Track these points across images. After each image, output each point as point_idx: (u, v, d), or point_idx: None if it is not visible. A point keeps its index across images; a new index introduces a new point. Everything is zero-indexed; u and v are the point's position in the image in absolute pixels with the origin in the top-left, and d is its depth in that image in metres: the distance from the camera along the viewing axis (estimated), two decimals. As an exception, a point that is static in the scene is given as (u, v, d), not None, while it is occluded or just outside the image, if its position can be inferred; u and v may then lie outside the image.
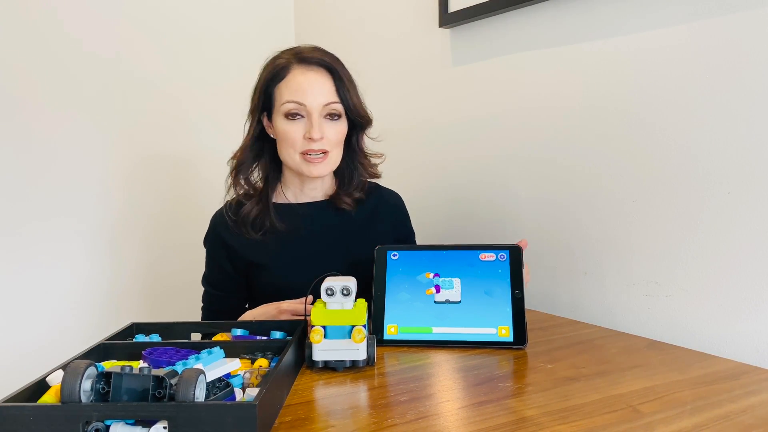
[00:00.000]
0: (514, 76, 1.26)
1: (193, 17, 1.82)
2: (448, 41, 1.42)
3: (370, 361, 0.79)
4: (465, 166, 1.39)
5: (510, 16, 1.25)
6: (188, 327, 0.88)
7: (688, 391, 0.69)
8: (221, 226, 1.12)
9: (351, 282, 0.79)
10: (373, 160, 1.17)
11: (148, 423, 0.55)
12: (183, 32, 1.80)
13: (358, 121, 1.10)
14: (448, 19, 1.37)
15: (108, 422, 0.55)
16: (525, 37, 1.22)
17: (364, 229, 1.14)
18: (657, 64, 0.99)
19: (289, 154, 1.06)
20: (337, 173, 1.16)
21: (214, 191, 1.77)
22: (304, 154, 1.04)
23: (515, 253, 0.94)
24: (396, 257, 0.97)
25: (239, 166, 1.11)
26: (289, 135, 1.04)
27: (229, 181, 1.12)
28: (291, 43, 1.98)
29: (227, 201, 1.14)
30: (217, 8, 1.86)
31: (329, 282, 0.79)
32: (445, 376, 0.76)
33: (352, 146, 1.14)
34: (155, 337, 0.84)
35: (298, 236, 1.10)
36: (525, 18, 1.22)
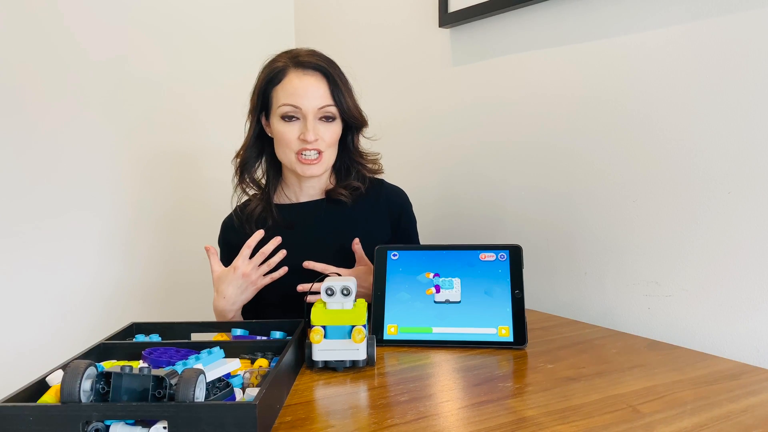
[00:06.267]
0: (513, 76, 1.26)
1: (195, 16, 1.82)
2: (448, 41, 1.42)
3: (370, 361, 0.79)
4: (465, 166, 1.39)
5: (510, 16, 1.25)
6: (188, 327, 0.88)
7: (688, 391, 0.69)
8: (229, 231, 1.17)
9: (351, 282, 0.79)
10: (368, 157, 1.20)
11: (148, 423, 0.55)
12: (185, 31, 1.80)
13: (352, 123, 1.13)
14: (448, 19, 1.37)
15: (108, 422, 0.55)
16: (525, 37, 1.22)
17: (363, 222, 1.16)
18: (657, 64, 0.99)
19: (285, 154, 1.10)
20: (334, 170, 1.19)
21: (218, 190, 1.78)
22: (299, 154, 1.08)
23: (515, 253, 0.94)
24: (396, 257, 0.97)
25: (243, 165, 1.16)
26: (285, 136, 1.08)
27: (235, 180, 1.17)
28: (291, 42, 1.99)
29: (237, 205, 1.19)
30: (218, 8, 1.86)
31: (329, 282, 0.79)
32: (445, 376, 0.76)
33: (347, 146, 1.18)
34: (155, 337, 0.84)
35: (299, 234, 1.12)
36: (525, 18, 1.22)
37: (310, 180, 1.15)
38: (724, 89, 0.90)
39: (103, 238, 1.70)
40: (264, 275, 1.06)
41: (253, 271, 1.03)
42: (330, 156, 1.12)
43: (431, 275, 0.95)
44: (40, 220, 1.60)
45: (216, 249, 1.09)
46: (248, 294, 1.05)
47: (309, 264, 1.05)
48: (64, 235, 1.64)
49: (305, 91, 1.06)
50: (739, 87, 0.89)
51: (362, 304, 0.81)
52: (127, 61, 1.70)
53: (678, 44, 0.96)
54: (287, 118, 1.07)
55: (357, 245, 1.07)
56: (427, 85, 1.49)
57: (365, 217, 1.17)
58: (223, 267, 1.07)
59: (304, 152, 1.07)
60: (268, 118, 1.12)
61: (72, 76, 1.62)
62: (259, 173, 1.18)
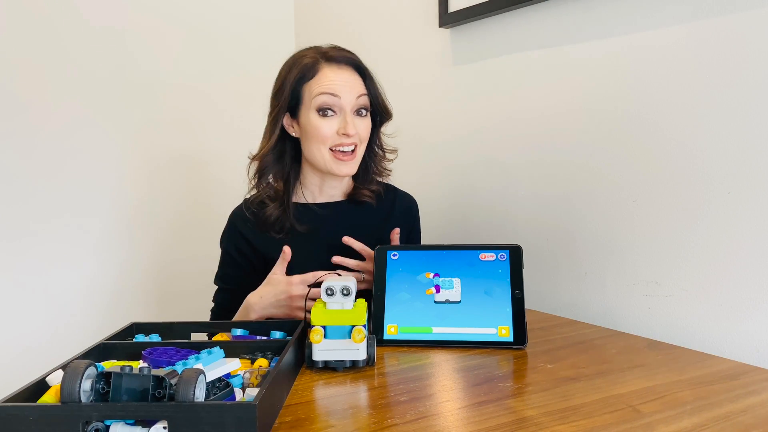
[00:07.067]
0: (514, 76, 1.26)
1: (194, 17, 1.82)
2: (448, 41, 1.42)
3: (370, 361, 0.79)
4: (465, 165, 1.39)
5: (510, 16, 1.25)
6: (188, 327, 0.87)
7: (688, 391, 0.69)
8: (240, 222, 1.12)
9: (351, 282, 0.79)
10: (389, 155, 1.20)
11: (148, 423, 0.55)
12: (184, 32, 1.80)
13: (381, 115, 1.13)
14: (448, 19, 1.37)
15: (108, 422, 0.55)
16: (525, 37, 1.22)
17: (381, 224, 1.15)
18: (657, 64, 0.99)
19: (319, 150, 1.06)
20: None
21: (219, 191, 1.79)
22: (333, 151, 1.05)
23: (515, 253, 0.94)
24: (396, 257, 0.97)
25: (263, 169, 1.11)
26: (322, 131, 1.04)
27: (252, 182, 1.12)
28: (291, 42, 1.99)
29: (246, 198, 1.14)
30: (217, 8, 1.86)
31: (329, 282, 0.79)
32: (445, 376, 0.76)
33: (371, 142, 1.15)
34: (155, 337, 0.84)
35: (317, 236, 1.10)
36: (525, 18, 1.22)
37: (333, 180, 1.12)
38: (724, 89, 0.90)
39: (103, 238, 1.70)
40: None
41: (299, 298, 0.98)
42: (361, 153, 1.10)
43: (431, 275, 0.95)
44: (41, 220, 1.60)
45: (289, 254, 1.03)
46: (279, 313, 1.01)
47: (337, 259, 1.05)
48: (64, 235, 1.64)
49: (343, 84, 1.04)
50: (739, 87, 0.89)
51: (362, 304, 0.81)
52: (126, 62, 1.71)
53: (678, 44, 0.96)
54: (323, 111, 1.04)
55: (396, 234, 1.08)
56: (427, 85, 1.49)
57: (383, 220, 1.16)
58: (283, 273, 1.02)
59: (341, 147, 1.05)
60: (294, 116, 1.08)
61: (75, 77, 1.63)
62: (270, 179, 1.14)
